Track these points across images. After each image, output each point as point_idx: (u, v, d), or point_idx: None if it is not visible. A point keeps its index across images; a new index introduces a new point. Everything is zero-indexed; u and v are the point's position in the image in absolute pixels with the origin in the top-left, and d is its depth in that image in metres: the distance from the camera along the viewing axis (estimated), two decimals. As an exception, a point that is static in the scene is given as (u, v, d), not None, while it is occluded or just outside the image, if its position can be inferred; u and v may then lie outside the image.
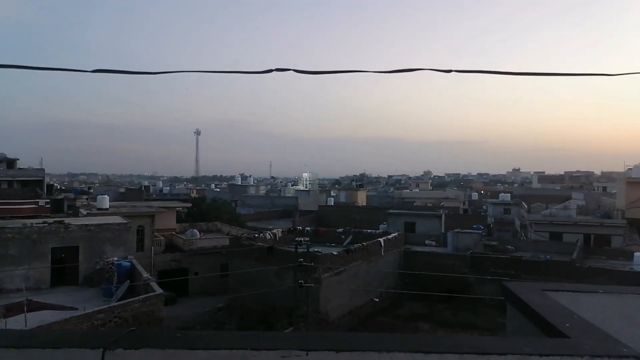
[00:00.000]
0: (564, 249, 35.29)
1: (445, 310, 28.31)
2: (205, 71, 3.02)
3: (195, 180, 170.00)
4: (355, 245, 30.63)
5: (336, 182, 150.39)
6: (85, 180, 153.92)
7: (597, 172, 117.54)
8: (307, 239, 25.00)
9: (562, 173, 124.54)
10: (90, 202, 43.95)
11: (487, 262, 31.61)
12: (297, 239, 24.95)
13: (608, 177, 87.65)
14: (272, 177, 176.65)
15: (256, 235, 34.29)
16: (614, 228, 39.66)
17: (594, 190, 71.57)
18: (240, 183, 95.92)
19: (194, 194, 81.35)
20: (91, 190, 67.46)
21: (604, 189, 69.71)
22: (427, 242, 40.05)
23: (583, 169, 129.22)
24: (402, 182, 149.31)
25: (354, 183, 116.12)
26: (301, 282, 21.27)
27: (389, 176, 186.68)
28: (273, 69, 2.79)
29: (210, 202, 55.17)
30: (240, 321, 26.91)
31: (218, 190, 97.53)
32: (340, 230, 39.16)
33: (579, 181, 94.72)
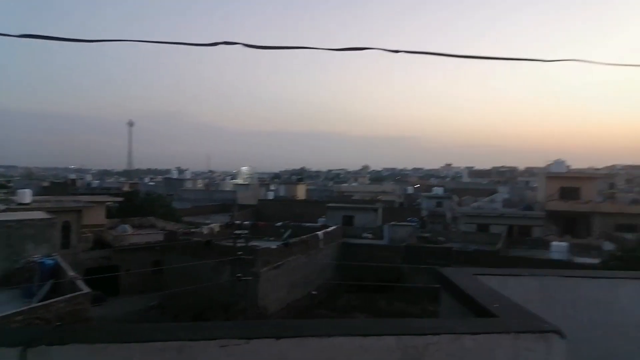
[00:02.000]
0: (490, 239, 37.46)
1: (381, 301, 29.15)
2: (145, 41, 2.85)
3: (127, 173, 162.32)
4: (294, 238, 30.72)
5: (276, 176, 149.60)
6: (4, 173, 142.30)
7: (521, 167, 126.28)
8: (246, 231, 24.68)
9: (489, 168, 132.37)
10: (10, 197, 40.66)
11: (420, 253, 32.88)
12: (235, 232, 24.57)
13: (530, 172, 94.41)
14: (210, 171, 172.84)
15: (193, 229, 33.42)
16: (535, 219, 42.71)
17: (517, 184, 76.68)
18: (176, 177, 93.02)
19: (126, 188, 77.68)
20: (11, 184, 62.38)
21: (527, 183, 74.91)
22: (364, 234, 40.96)
23: (508, 164, 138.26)
24: (341, 176, 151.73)
25: (293, 177, 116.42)
26: (239, 276, 21.02)
27: (329, 170, 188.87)
28: (220, 42, 2.68)
29: (143, 196, 52.92)
30: (174, 319, 26.14)
31: (153, 184, 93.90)
32: (280, 224, 39.08)
33: (505, 176, 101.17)
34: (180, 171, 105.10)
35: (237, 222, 39.19)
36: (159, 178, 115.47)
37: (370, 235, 40.90)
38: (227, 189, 78.67)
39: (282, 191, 76.39)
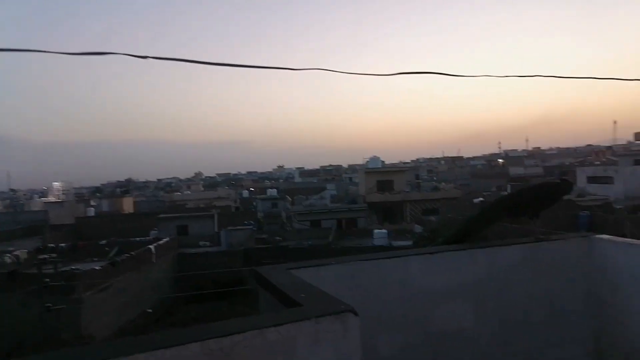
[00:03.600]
0: (322, 234, 39.97)
1: (223, 307, 28.71)
2: None
3: None
4: (123, 256, 28.30)
5: (97, 190, 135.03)
6: None
7: (345, 165, 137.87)
8: (54, 255, 21.78)
9: (318, 167, 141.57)
10: None
11: (258, 255, 33.36)
12: (39, 257, 21.51)
13: (353, 168, 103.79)
14: (12, 190, 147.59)
15: (-9, 260, 28.13)
16: (359, 212, 47.05)
17: (342, 180, 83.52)
18: (-36, 199, 77.40)
19: None
20: None
21: (350, 179, 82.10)
22: (201, 243, 39.83)
23: (334, 162, 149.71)
24: (173, 184, 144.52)
25: (118, 190, 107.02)
26: (49, 306, 18.47)
27: (159, 180, 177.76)
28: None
29: None
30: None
31: None
32: (104, 242, 35.70)
33: (332, 174, 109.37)
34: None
35: (52, 245, 34.35)
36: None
37: (207, 243, 39.92)
38: (36, 208, 68.41)
39: (106, 206, 69.54)
